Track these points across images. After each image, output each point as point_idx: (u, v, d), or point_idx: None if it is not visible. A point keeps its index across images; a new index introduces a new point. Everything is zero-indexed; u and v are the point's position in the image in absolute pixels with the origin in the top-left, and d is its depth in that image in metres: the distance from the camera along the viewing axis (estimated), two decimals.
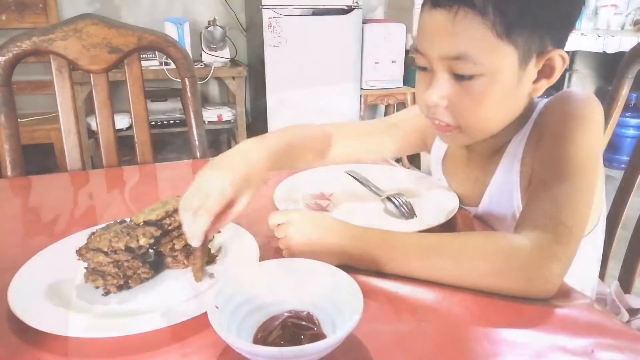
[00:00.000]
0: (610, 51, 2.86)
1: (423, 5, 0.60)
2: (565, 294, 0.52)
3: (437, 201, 0.75)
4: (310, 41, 2.69)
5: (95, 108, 1.01)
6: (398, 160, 2.94)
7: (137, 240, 0.54)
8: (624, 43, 2.82)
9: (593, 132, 0.60)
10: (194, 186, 0.55)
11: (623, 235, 0.93)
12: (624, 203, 0.92)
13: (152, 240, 0.55)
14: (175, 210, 0.58)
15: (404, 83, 3.06)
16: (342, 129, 0.82)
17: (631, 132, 3.08)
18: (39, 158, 2.52)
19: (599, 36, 2.84)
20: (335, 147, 0.80)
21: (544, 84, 0.62)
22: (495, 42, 0.56)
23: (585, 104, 0.62)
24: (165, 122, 2.71)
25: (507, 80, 0.59)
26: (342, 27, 2.73)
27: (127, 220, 0.60)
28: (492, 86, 0.58)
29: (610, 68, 2.74)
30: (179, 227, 0.58)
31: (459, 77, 0.59)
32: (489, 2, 0.53)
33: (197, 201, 0.53)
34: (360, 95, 2.93)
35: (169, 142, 3.02)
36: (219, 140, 3.25)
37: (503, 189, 0.69)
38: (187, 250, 0.58)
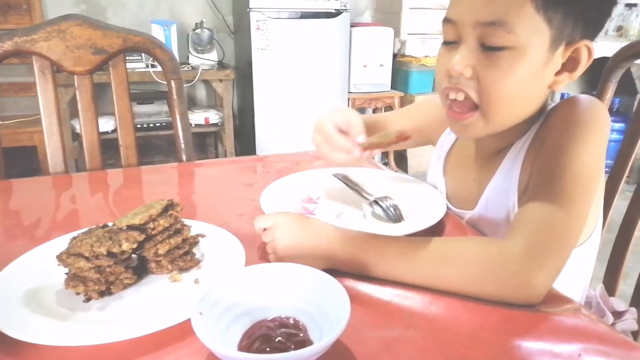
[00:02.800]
0: (594, 56, 2.90)
1: None
2: (553, 298, 0.52)
3: (425, 205, 0.75)
4: (298, 44, 2.69)
5: (79, 110, 1.00)
6: (385, 164, 2.95)
7: (120, 245, 0.53)
8: (607, 48, 2.87)
9: (596, 140, 0.59)
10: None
11: (608, 238, 0.94)
12: (608, 206, 0.93)
13: (135, 245, 0.54)
14: (159, 214, 0.57)
15: (392, 87, 3.08)
16: (370, 120, 0.85)
17: (615, 136, 3.13)
18: (22, 161, 2.48)
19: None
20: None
21: (565, 78, 0.61)
22: (532, 14, 0.55)
23: (590, 110, 0.61)
24: (151, 125, 2.69)
25: (535, 59, 0.57)
26: (330, 31, 2.73)
27: (110, 224, 0.58)
28: (520, 61, 0.57)
29: (594, 72, 2.78)
30: (163, 231, 0.57)
31: (488, 48, 0.58)
32: None
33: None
34: (348, 99, 2.94)
35: (155, 145, 3.00)
36: (206, 143, 3.23)
37: (500, 192, 0.68)
38: (171, 255, 0.57)
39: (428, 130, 0.86)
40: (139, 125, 2.66)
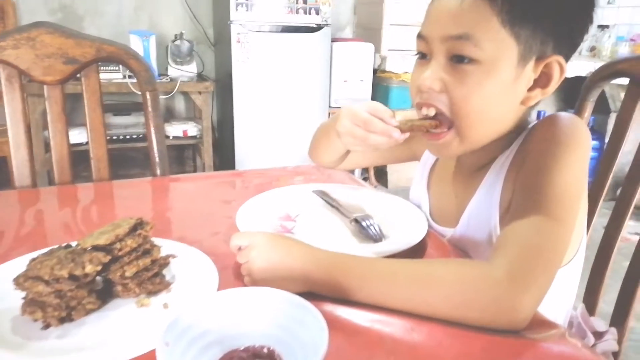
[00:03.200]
0: (569, 75, 2.96)
1: None
2: (537, 323, 0.50)
3: (406, 223, 0.73)
4: (279, 58, 2.68)
5: (49, 122, 0.95)
6: (365, 179, 2.94)
7: (83, 268, 0.49)
8: (581, 67, 2.94)
9: (578, 158, 0.58)
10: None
11: (587, 256, 0.94)
12: (587, 224, 0.93)
13: (99, 268, 0.50)
14: (127, 234, 0.54)
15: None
16: None
17: (592, 154, 3.18)
18: None
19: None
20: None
21: (538, 94, 0.61)
22: (498, 29, 0.56)
23: (571, 128, 0.61)
24: (127, 137, 2.63)
25: (504, 74, 0.58)
26: (311, 45, 2.73)
27: (74, 244, 0.55)
28: (488, 76, 0.58)
29: (569, 91, 2.84)
30: (131, 252, 0.54)
31: (456, 60, 0.58)
32: None
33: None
34: (329, 113, 2.93)
35: (131, 157, 2.93)
36: (184, 156, 3.18)
37: (482, 210, 0.66)
38: (139, 277, 0.54)
39: (411, 145, 0.85)
40: (115, 137, 2.60)
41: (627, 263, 0.86)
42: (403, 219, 0.75)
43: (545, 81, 0.61)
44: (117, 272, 0.53)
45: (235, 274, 0.59)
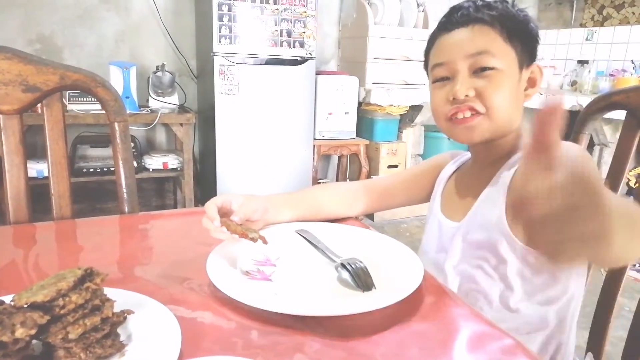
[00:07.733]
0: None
1: (436, 35, 0.79)
2: None
3: (399, 269, 0.66)
4: (263, 90, 2.64)
5: (4, 154, 0.87)
6: None
7: (12, 332, 0.40)
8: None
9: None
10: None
11: (590, 301, 0.88)
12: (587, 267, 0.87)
13: (33, 331, 0.42)
14: (71, 288, 0.45)
15: (357, 134, 3.06)
16: (368, 184, 0.96)
17: None
18: None
19: (540, 94, 2.96)
20: (362, 199, 0.92)
21: (531, 92, 0.79)
22: (503, 44, 0.74)
23: (584, 159, 0.69)
24: (105, 170, 2.53)
25: (513, 77, 0.75)
26: (296, 77, 2.71)
27: (10, 299, 0.46)
28: (505, 78, 0.74)
29: None
30: (76, 309, 0.45)
31: (479, 72, 0.74)
32: (495, 19, 0.74)
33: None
34: (314, 145, 2.88)
35: (109, 190, 2.82)
36: (164, 189, 3.08)
37: (489, 202, 0.75)
38: (86, 340, 0.45)
39: (419, 193, 0.95)
40: (92, 170, 2.50)
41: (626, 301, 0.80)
42: (396, 263, 0.68)
43: (533, 82, 0.79)
44: (59, 334, 0.44)
45: (201, 332, 0.51)
